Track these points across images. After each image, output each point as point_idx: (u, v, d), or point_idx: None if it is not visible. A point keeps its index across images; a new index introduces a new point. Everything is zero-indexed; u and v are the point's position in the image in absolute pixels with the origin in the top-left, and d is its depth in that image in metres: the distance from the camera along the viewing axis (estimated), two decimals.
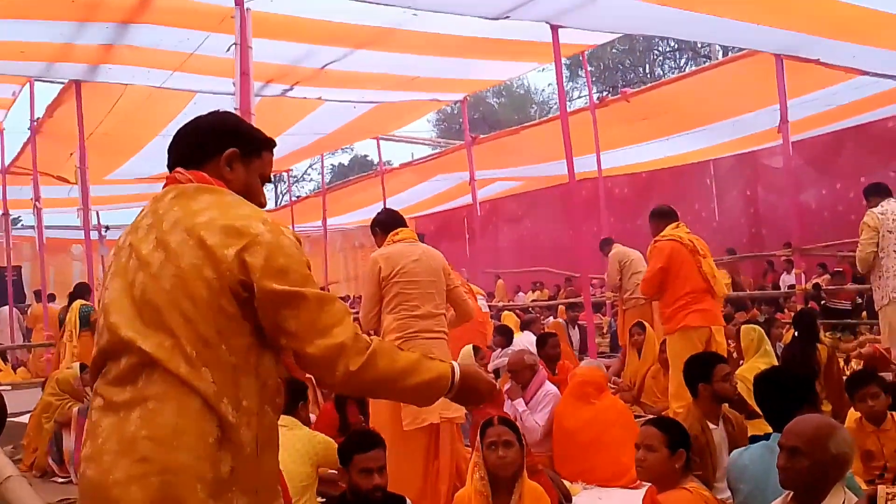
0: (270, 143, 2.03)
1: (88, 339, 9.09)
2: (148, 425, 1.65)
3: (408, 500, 3.34)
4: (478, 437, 3.53)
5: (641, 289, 6.45)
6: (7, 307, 15.44)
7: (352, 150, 41.01)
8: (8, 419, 4.38)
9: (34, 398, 7.78)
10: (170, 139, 2.00)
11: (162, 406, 1.66)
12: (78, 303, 9.70)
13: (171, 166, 1.95)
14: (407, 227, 4.83)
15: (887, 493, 2.35)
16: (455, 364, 1.93)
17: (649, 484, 3.42)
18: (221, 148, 1.91)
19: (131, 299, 1.75)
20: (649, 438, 3.21)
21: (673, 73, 29.09)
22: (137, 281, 1.76)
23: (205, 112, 2.05)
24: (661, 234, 6.06)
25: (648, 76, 33.03)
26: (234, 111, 5.85)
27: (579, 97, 32.08)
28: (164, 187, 1.92)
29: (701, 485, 3.16)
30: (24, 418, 7.77)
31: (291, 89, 10.31)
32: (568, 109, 9.33)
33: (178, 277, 1.72)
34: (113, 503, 1.62)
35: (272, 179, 2.11)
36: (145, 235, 1.81)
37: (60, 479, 6.48)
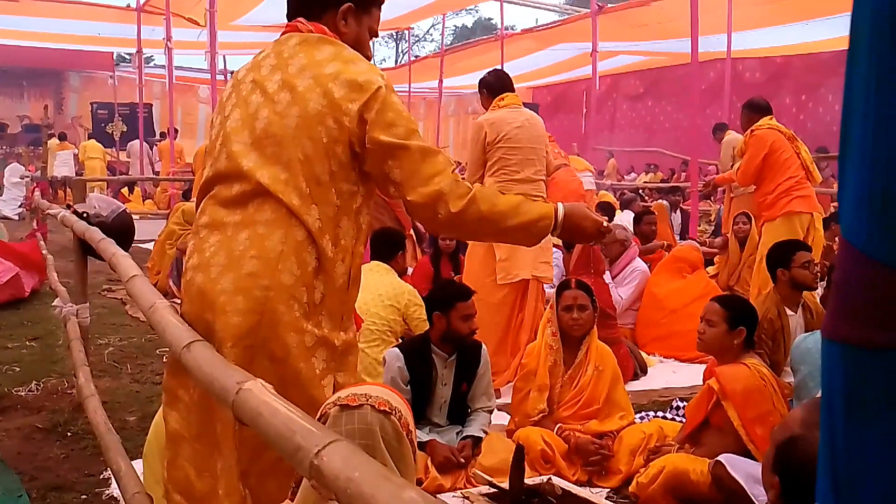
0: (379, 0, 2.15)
1: None
2: (256, 247, 1.85)
3: (484, 346, 3.57)
4: (553, 297, 3.70)
5: (738, 179, 6.30)
6: (138, 141, 16.39)
7: (476, 11, 40.13)
8: (134, 245, 4.84)
9: (159, 228, 8.44)
10: None
11: (270, 232, 1.85)
12: None
13: (290, 16, 2.09)
14: (514, 91, 4.90)
15: None
16: (560, 205, 2.01)
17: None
18: (339, 2, 2.04)
19: (251, 130, 1.92)
20: (710, 313, 3.29)
21: None
22: (261, 115, 1.92)
23: None
24: (758, 124, 5.92)
25: None
26: None
27: None
28: (283, 34, 2.06)
29: (761, 362, 3.23)
30: (149, 246, 8.48)
31: None
32: None
33: (302, 119, 1.87)
34: (218, 308, 1.85)
35: (378, 34, 2.22)
36: (269, 74, 1.96)
37: (179, 300, 7.10)
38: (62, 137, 17.85)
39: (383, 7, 2.15)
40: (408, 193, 1.86)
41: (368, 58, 2.07)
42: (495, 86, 4.85)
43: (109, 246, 2.90)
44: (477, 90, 5.04)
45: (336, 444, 1.04)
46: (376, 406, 1.45)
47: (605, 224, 2.07)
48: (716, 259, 7.76)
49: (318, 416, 1.46)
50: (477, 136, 4.70)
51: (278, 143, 1.87)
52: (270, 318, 1.83)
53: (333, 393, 1.72)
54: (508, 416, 3.77)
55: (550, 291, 4.29)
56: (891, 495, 0.63)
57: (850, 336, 0.63)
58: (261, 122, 1.91)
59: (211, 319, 1.86)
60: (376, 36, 2.18)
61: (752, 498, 2.73)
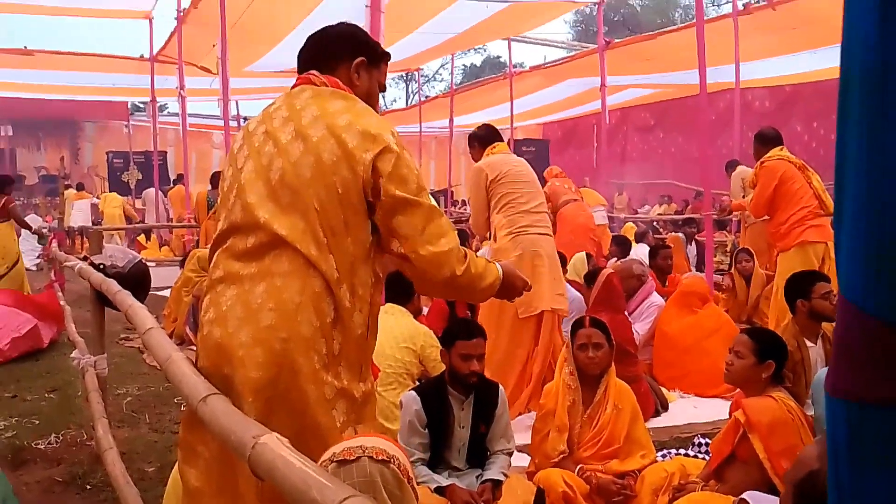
0: (388, 56, 2.22)
1: None
2: (273, 299, 1.85)
3: (501, 387, 3.52)
4: (568, 336, 3.68)
5: (751, 210, 6.30)
6: (153, 189, 16.56)
7: (485, 50, 40.61)
8: (151, 292, 4.89)
9: (175, 275, 8.50)
10: (306, 31, 2.18)
11: (288, 284, 1.85)
12: None
13: (301, 69, 2.14)
14: (503, 141, 5.18)
15: None
16: (498, 264, 2.15)
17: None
18: (352, 56, 2.10)
19: (266, 181, 1.94)
20: (739, 345, 3.28)
21: None
22: (275, 166, 1.94)
23: (338, 5, 2.22)
24: (767, 156, 5.94)
25: None
26: (365, 7, 6.03)
27: (727, 1, 30.28)
28: (294, 86, 2.10)
29: (788, 395, 3.19)
30: (166, 293, 8.53)
31: None
32: (715, 14, 8.87)
33: (317, 168, 1.89)
34: (237, 361, 1.85)
35: (386, 88, 2.28)
36: (282, 125, 1.98)
37: (195, 347, 7.12)
38: (80, 188, 18.10)
39: (393, 48, 2.21)
40: (417, 248, 1.91)
41: (377, 111, 2.11)
42: (487, 137, 5.12)
43: (126, 298, 2.92)
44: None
45: (352, 499, 1.03)
46: (374, 456, 1.43)
47: (527, 283, 2.26)
48: (723, 298, 7.66)
49: None
50: (477, 179, 4.92)
51: (294, 193, 1.89)
52: (290, 370, 1.84)
53: None
54: (528, 458, 3.73)
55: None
56: None
57: (850, 391, 0.64)
58: (275, 172, 1.93)
59: (229, 373, 1.86)
60: (384, 91, 2.24)
61: None
